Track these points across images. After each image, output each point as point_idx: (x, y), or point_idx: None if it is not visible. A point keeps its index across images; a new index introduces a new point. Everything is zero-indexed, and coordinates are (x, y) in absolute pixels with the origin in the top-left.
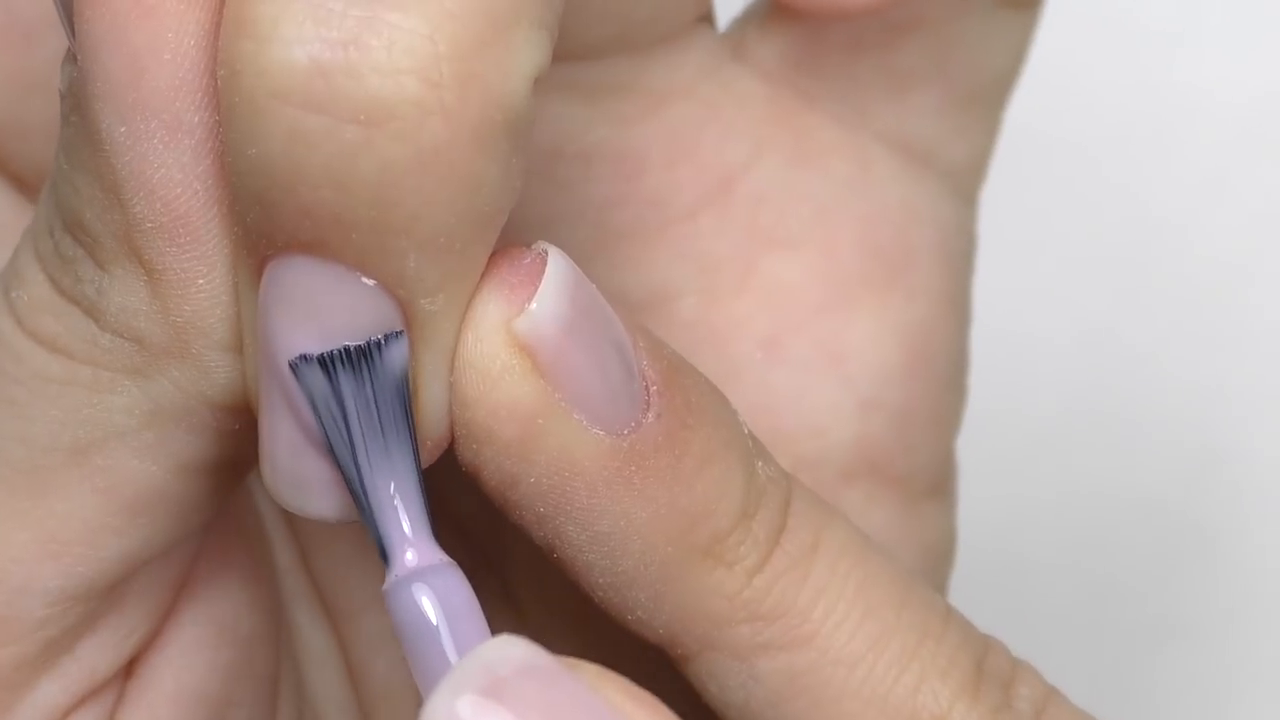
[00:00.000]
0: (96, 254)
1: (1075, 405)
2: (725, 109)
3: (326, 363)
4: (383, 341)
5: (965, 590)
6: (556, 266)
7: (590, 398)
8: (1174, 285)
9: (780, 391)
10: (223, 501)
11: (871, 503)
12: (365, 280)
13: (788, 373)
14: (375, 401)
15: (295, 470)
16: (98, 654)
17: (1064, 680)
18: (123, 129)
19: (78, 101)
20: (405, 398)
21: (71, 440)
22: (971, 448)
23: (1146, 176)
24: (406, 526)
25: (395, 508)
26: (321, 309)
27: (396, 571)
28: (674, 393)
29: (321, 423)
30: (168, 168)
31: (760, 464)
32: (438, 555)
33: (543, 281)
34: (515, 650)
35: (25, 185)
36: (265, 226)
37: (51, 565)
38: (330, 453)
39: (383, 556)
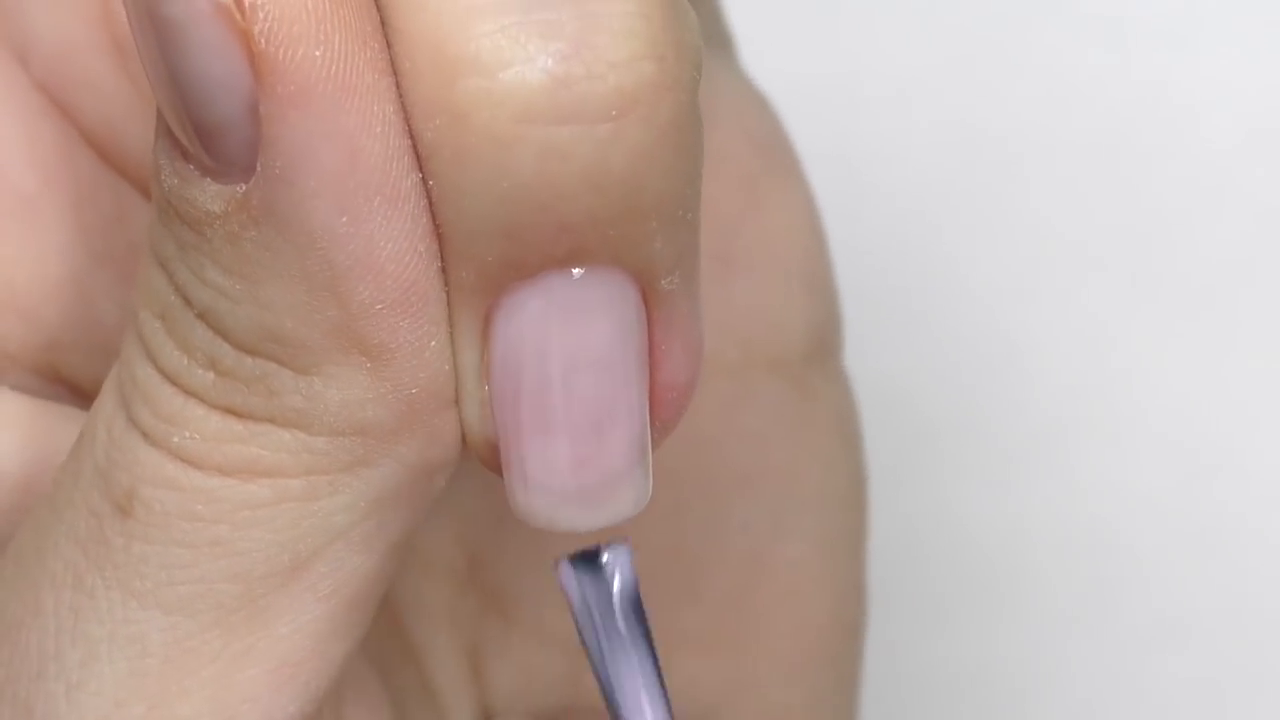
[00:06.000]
0: (298, 361)
1: (1075, 405)
2: None
3: (576, 564)
4: (608, 553)
5: (966, 590)
6: None
7: None
8: (1174, 285)
9: (743, 300)
10: None
11: (828, 382)
12: (610, 274)
13: (744, 281)
14: (616, 607)
15: (576, 485)
16: None
17: (1064, 680)
18: (344, 218)
19: (256, 215)
20: (641, 607)
21: (291, 559)
22: (972, 448)
23: (1147, 176)
24: None
25: (642, 707)
26: (581, 316)
27: None
28: None
29: (577, 621)
30: (394, 241)
31: None
32: None
33: None
34: None
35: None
36: (514, 257)
37: (288, 691)
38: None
39: None
